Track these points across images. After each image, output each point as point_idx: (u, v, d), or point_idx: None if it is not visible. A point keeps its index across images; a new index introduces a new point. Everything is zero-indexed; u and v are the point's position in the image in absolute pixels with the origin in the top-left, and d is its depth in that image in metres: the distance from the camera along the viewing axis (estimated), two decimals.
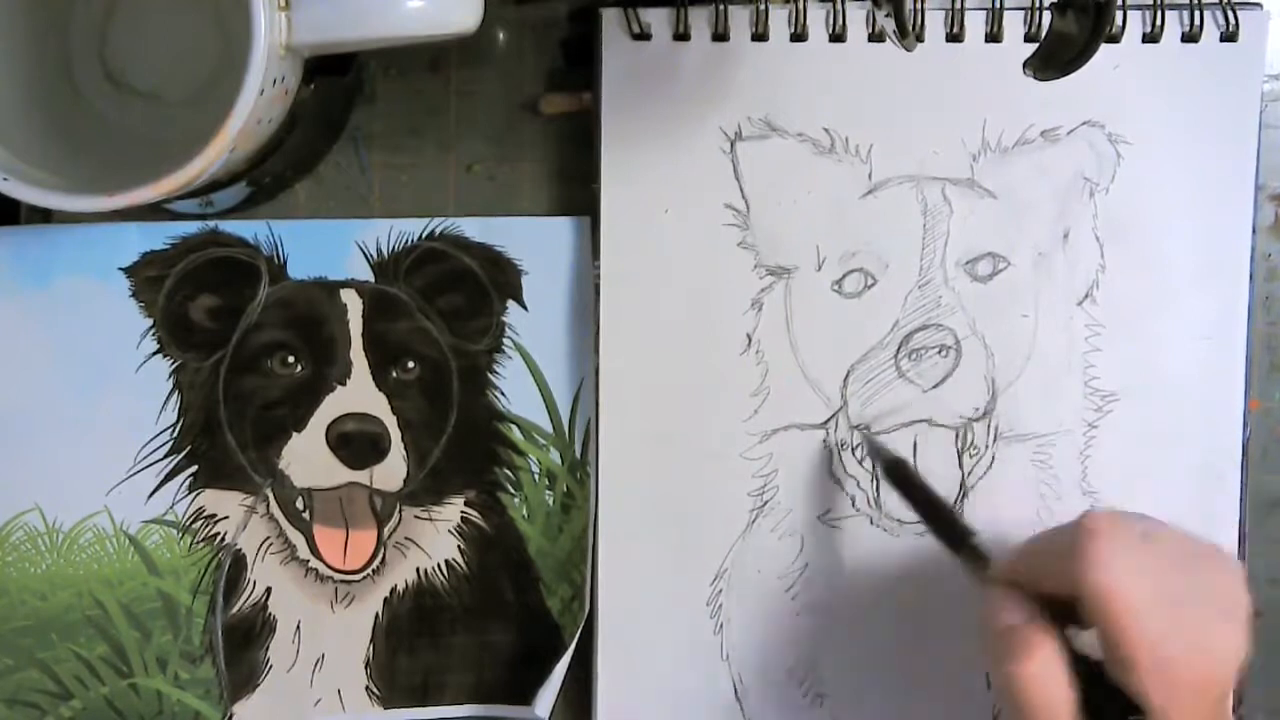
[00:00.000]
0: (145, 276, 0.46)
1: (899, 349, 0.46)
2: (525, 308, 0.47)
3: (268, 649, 0.47)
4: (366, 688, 0.47)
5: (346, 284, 0.47)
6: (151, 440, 0.47)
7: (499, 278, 0.47)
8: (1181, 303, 0.46)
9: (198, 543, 0.47)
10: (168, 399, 0.47)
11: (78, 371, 0.46)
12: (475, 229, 0.47)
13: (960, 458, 0.46)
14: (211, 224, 0.46)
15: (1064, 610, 0.37)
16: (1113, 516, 0.36)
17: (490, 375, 0.47)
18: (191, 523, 0.47)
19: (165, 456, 0.47)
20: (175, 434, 0.47)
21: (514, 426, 0.47)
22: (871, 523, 0.46)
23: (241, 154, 0.41)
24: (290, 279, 0.47)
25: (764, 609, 0.46)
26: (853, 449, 0.46)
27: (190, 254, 0.46)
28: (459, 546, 0.47)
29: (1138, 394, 0.46)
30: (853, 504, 0.46)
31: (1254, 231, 0.46)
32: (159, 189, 0.38)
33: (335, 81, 0.45)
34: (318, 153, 0.47)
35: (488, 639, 0.47)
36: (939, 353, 0.46)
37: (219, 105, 0.38)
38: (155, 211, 0.46)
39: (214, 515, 0.47)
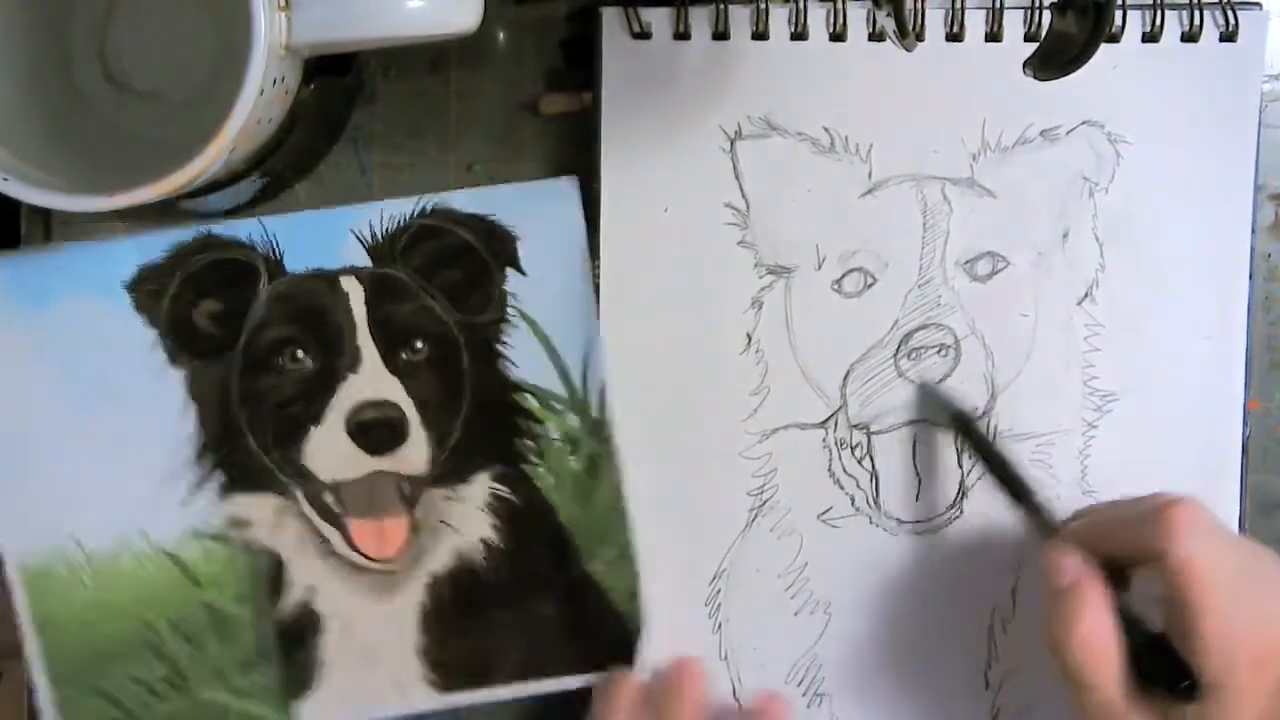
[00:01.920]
0: (146, 289, 0.46)
1: (898, 348, 0.46)
2: (524, 273, 0.46)
3: (320, 647, 0.47)
4: (423, 675, 0.47)
5: (345, 271, 0.46)
6: (174, 453, 0.46)
7: (494, 246, 0.46)
8: (1181, 303, 0.46)
9: (235, 550, 0.47)
10: (184, 409, 0.46)
11: (91, 392, 0.46)
12: (464, 201, 0.46)
13: (959, 457, 0.46)
14: (205, 228, 0.46)
15: (1119, 575, 0.39)
16: (1194, 497, 0.39)
17: (499, 346, 0.47)
18: (226, 531, 0.47)
19: (190, 467, 0.47)
20: (196, 444, 0.46)
21: (529, 395, 0.47)
22: (871, 522, 0.46)
23: (241, 154, 0.41)
24: (289, 273, 0.46)
25: (763, 608, 0.47)
26: (852, 448, 0.46)
27: (187, 261, 0.46)
28: (492, 523, 0.47)
29: (1137, 394, 0.46)
30: (852, 503, 0.46)
31: (1254, 231, 0.46)
32: (159, 189, 0.38)
33: (335, 81, 0.45)
34: (318, 153, 0.47)
35: (534, 611, 0.47)
36: (938, 352, 0.46)
37: (219, 105, 0.38)
38: (158, 212, 0.46)
39: (247, 520, 0.47)
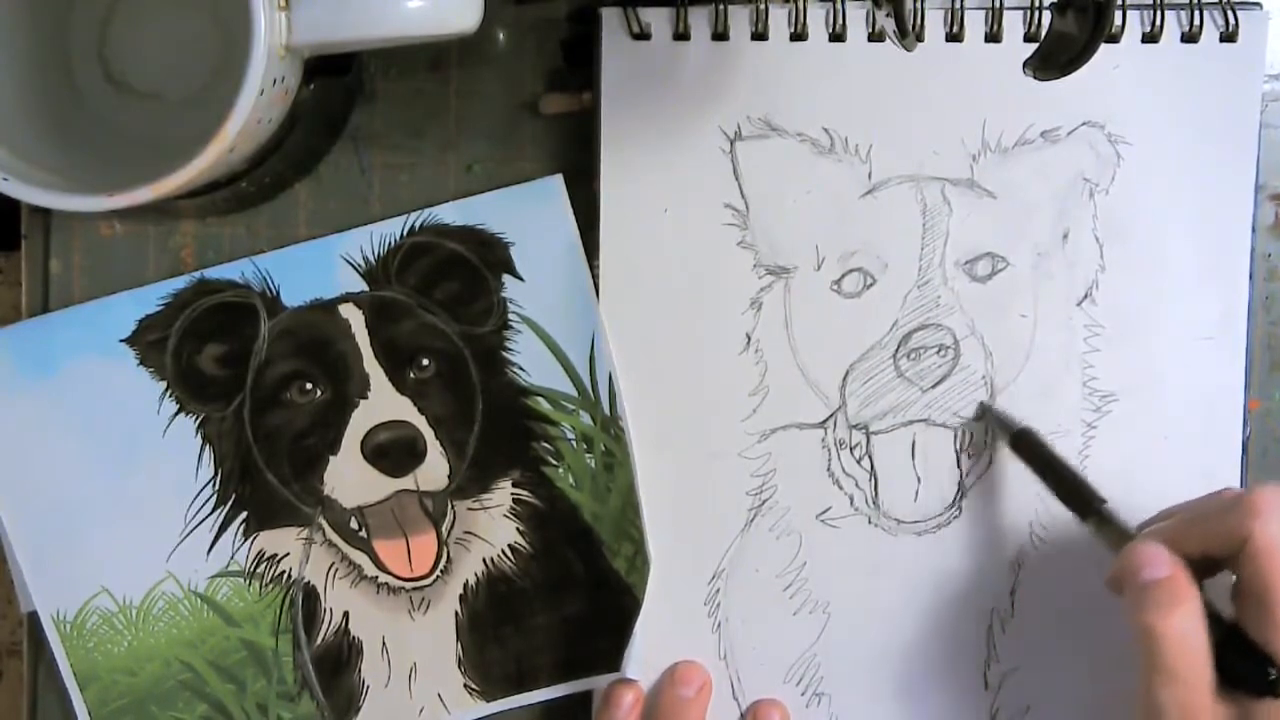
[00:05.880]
0: (147, 342, 0.46)
1: (898, 348, 0.46)
2: (520, 278, 0.47)
3: (360, 671, 0.47)
4: (465, 685, 0.47)
5: (343, 299, 0.47)
6: (196, 498, 0.47)
7: (487, 255, 0.47)
8: (1181, 303, 0.46)
9: (266, 585, 0.47)
10: (201, 454, 0.47)
11: (108, 449, 0.47)
12: (453, 214, 0.47)
13: (959, 458, 0.46)
14: (198, 274, 0.47)
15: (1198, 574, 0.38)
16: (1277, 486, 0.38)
17: (505, 354, 0.47)
18: (255, 567, 0.47)
19: (213, 510, 0.47)
20: (217, 486, 0.47)
21: (540, 399, 0.47)
22: (870, 522, 0.46)
23: (241, 154, 0.41)
24: (287, 308, 0.47)
25: (762, 608, 0.47)
26: (851, 448, 0.46)
27: (185, 309, 0.46)
28: (517, 529, 0.47)
29: (1137, 394, 0.46)
30: (851, 504, 0.46)
31: (1254, 231, 0.46)
32: (159, 189, 0.38)
33: (335, 81, 0.45)
34: (318, 153, 0.47)
35: (567, 612, 0.47)
36: (938, 352, 0.46)
37: (219, 105, 0.38)
38: (158, 211, 0.46)
39: (275, 555, 0.47)
